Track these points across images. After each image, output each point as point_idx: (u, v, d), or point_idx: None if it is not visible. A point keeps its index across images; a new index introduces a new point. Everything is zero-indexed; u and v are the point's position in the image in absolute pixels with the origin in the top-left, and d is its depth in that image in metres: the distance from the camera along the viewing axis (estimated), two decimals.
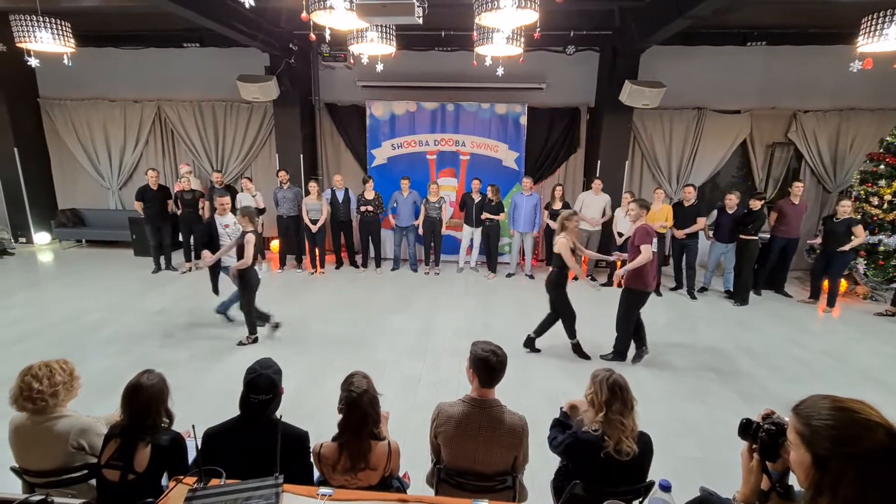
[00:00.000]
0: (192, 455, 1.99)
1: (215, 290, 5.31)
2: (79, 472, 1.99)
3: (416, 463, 2.52)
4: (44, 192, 8.74)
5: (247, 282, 4.60)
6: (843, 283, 6.44)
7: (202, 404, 3.50)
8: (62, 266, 7.61)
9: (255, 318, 4.77)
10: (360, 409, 1.90)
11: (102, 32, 7.71)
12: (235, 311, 5.07)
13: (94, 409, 2.33)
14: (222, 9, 5.64)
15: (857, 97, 7.24)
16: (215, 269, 5.21)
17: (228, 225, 5.09)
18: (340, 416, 1.94)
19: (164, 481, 1.93)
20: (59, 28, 4.40)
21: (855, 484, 0.95)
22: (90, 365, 4.07)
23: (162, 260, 7.20)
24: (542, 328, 4.63)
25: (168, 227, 7.14)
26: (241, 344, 4.67)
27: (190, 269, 7.13)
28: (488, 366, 2.01)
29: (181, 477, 1.71)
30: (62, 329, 4.99)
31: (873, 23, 3.69)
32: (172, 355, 4.44)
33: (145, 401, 1.92)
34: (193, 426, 1.76)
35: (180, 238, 7.39)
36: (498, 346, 2.08)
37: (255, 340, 4.75)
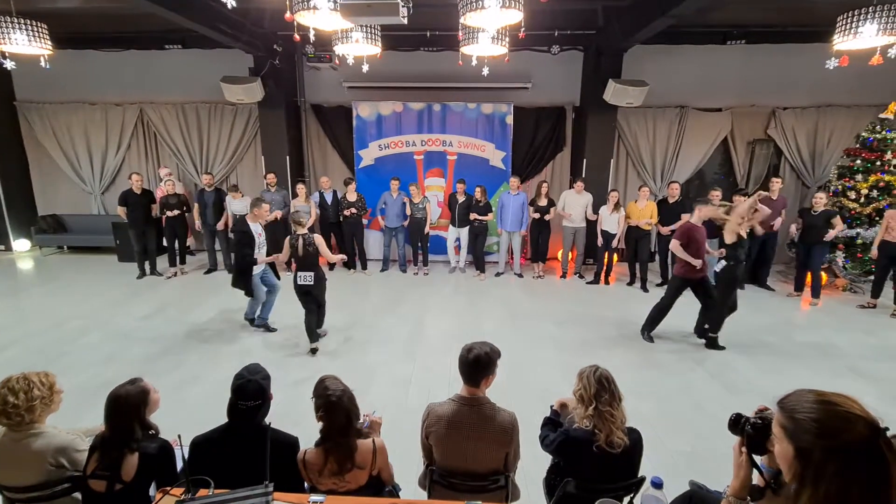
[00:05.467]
0: (179, 464, 1.96)
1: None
2: (60, 486, 1.93)
3: (408, 465, 2.50)
4: (23, 198, 8.53)
5: None
6: (824, 275, 6.58)
7: (189, 412, 3.45)
8: (43, 273, 7.43)
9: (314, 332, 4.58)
10: (342, 409, 1.89)
11: (81, 34, 7.55)
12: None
13: (79, 419, 2.28)
14: (204, 10, 5.56)
15: (833, 94, 7.40)
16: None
17: (262, 234, 4.89)
18: (321, 423, 1.92)
19: (151, 491, 1.90)
20: (35, 30, 4.29)
21: (836, 476, 0.96)
22: (73, 374, 3.99)
23: (147, 265, 7.09)
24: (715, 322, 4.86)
25: (153, 232, 7.02)
26: None
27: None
28: (464, 362, 2.03)
29: (168, 488, 1.68)
30: (44, 338, 4.88)
31: (849, 21, 3.77)
32: (157, 363, 4.36)
33: (124, 411, 1.87)
34: (179, 436, 1.73)
35: (164, 243, 7.26)
36: (481, 343, 2.07)
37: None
